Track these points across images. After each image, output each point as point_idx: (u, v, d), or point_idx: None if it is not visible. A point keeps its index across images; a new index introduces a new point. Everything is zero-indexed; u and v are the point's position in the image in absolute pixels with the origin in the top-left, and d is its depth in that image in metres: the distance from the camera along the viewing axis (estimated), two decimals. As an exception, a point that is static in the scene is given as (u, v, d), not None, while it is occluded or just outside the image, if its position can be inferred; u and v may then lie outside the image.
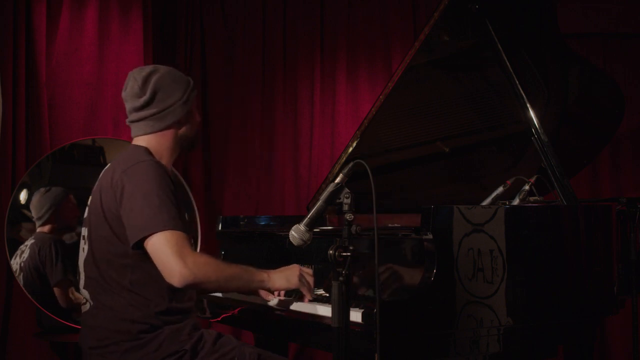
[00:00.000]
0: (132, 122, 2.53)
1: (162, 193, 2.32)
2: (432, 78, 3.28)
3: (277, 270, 2.53)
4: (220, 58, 4.92)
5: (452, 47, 3.25)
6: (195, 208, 4.37)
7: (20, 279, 3.89)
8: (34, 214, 3.96)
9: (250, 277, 2.47)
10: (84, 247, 2.49)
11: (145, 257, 2.33)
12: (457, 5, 2.99)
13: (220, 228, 3.34)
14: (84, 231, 2.51)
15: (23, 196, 4.00)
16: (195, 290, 2.46)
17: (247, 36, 4.92)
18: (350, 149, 3.15)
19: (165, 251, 2.26)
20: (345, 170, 2.15)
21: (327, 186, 2.21)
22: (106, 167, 2.53)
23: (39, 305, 3.90)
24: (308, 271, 2.59)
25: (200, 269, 2.28)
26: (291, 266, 2.56)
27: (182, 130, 2.55)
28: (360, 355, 2.17)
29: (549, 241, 2.57)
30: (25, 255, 3.91)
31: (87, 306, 2.45)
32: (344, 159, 3.15)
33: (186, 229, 2.35)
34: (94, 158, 4.21)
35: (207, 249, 4.30)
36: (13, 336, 4.12)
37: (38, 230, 3.95)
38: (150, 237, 2.28)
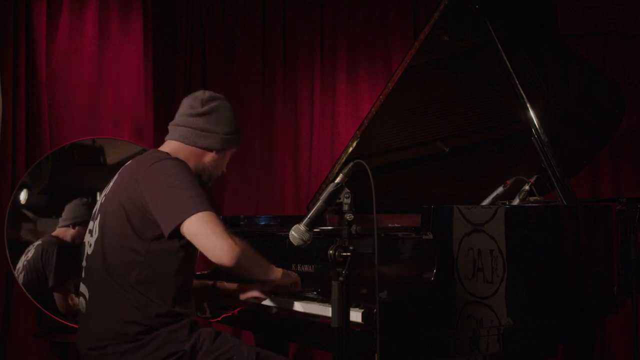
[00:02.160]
0: (176, 125, 2.58)
1: (192, 182, 2.36)
2: (432, 78, 3.28)
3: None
4: (220, 58, 4.92)
5: (452, 47, 3.25)
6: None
7: (20, 277, 3.89)
8: (65, 214, 3.97)
9: (269, 266, 2.55)
10: (90, 242, 2.48)
11: (158, 256, 2.34)
12: (457, 5, 2.99)
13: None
14: (93, 225, 2.49)
15: (23, 196, 4.01)
16: (232, 272, 2.44)
17: (247, 36, 4.93)
18: (350, 149, 3.15)
19: (212, 231, 2.28)
20: (345, 170, 2.15)
21: (327, 186, 2.21)
22: (126, 164, 2.54)
23: (39, 305, 3.90)
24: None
25: (244, 250, 2.32)
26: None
27: (208, 160, 2.58)
28: (360, 355, 2.17)
29: (549, 241, 2.57)
30: (30, 255, 3.91)
31: (83, 302, 2.44)
32: (344, 159, 3.15)
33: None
34: (94, 158, 4.21)
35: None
36: (13, 336, 4.12)
37: (56, 232, 3.97)
38: (190, 218, 2.28)
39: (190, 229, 2.29)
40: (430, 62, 3.21)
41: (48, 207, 4.06)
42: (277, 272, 2.57)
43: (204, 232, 2.28)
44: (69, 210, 3.99)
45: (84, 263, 2.49)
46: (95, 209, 2.53)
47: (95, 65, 4.40)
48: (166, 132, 2.62)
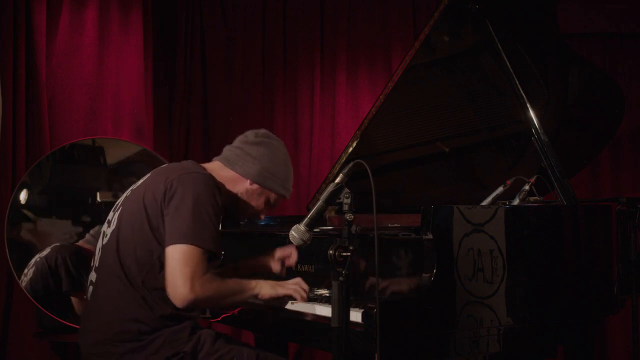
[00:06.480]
0: (226, 147, 2.60)
1: (209, 209, 2.34)
2: (432, 78, 3.28)
3: (263, 280, 2.54)
4: (220, 58, 4.92)
5: (452, 47, 3.25)
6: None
7: (30, 273, 3.88)
8: (93, 232, 3.98)
9: (242, 288, 2.47)
10: (106, 232, 2.49)
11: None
12: (457, 5, 2.99)
13: (220, 228, 3.34)
14: (112, 216, 2.50)
15: (23, 196, 4.01)
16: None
17: (247, 36, 4.93)
18: (350, 149, 3.15)
19: (180, 267, 2.28)
20: (345, 170, 2.15)
21: (327, 186, 2.21)
22: (161, 166, 2.57)
23: (39, 306, 3.90)
24: (295, 280, 2.58)
25: (204, 292, 2.30)
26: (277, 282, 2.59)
27: (242, 189, 2.55)
28: (360, 355, 2.17)
29: (549, 241, 2.57)
30: (45, 252, 3.91)
31: (91, 290, 2.45)
32: (344, 159, 3.15)
33: (218, 250, 2.37)
34: (94, 158, 4.21)
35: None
36: (13, 336, 4.12)
37: (79, 242, 3.98)
38: (173, 246, 2.29)
39: (168, 253, 2.31)
40: (430, 62, 3.21)
41: (48, 207, 4.06)
42: (255, 289, 2.48)
43: (172, 266, 2.29)
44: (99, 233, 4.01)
45: (97, 251, 2.50)
46: (118, 200, 2.54)
47: (95, 65, 4.40)
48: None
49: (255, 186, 2.56)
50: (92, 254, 2.55)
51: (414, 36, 4.71)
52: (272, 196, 2.61)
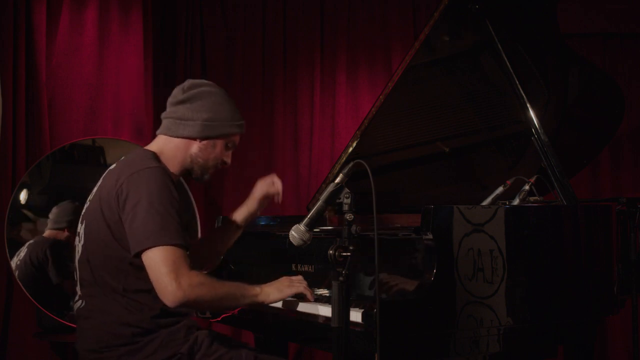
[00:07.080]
0: (162, 116, 2.54)
1: (166, 204, 2.29)
2: (432, 78, 3.28)
3: (267, 284, 2.49)
4: (220, 58, 4.92)
5: (452, 47, 3.24)
6: (195, 208, 4.37)
7: (16, 276, 3.89)
8: (56, 217, 3.97)
9: (242, 293, 2.41)
10: (78, 247, 2.46)
11: (141, 266, 2.30)
12: (457, 5, 2.99)
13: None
14: (80, 228, 2.47)
15: (23, 196, 4.01)
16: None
17: (247, 36, 4.93)
18: (350, 149, 3.15)
19: (161, 269, 2.22)
20: (345, 170, 2.15)
21: (327, 186, 2.21)
22: (111, 168, 2.50)
23: (39, 305, 3.90)
24: (297, 277, 2.55)
25: (193, 290, 2.23)
26: (280, 278, 2.53)
27: (195, 150, 2.50)
28: (360, 355, 2.17)
29: (549, 241, 2.57)
30: (22, 254, 3.91)
31: (80, 303, 2.43)
32: (344, 159, 3.14)
33: (187, 241, 2.32)
34: (94, 158, 4.21)
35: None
36: (13, 336, 4.12)
37: (47, 233, 3.98)
38: (148, 250, 2.24)
39: (145, 260, 2.26)
40: (430, 62, 3.21)
41: (48, 207, 4.06)
42: (260, 296, 2.42)
43: (154, 268, 2.24)
44: (60, 213, 3.99)
45: (76, 266, 2.48)
46: (82, 212, 2.51)
47: (95, 65, 4.40)
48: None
49: (205, 141, 2.50)
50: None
51: (414, 36, 4.71)
52: (227, 140, 2.56)
